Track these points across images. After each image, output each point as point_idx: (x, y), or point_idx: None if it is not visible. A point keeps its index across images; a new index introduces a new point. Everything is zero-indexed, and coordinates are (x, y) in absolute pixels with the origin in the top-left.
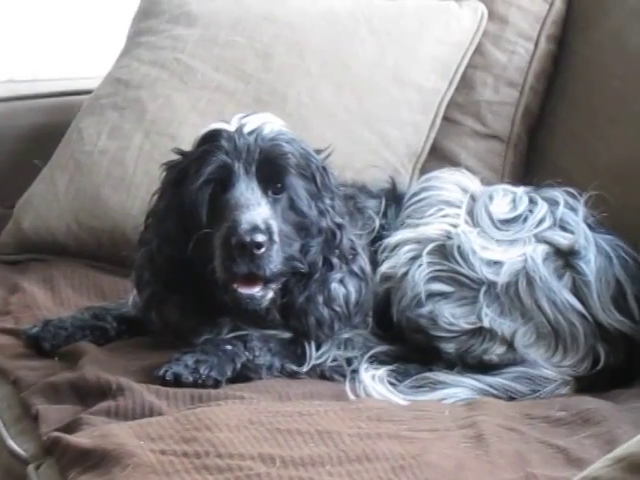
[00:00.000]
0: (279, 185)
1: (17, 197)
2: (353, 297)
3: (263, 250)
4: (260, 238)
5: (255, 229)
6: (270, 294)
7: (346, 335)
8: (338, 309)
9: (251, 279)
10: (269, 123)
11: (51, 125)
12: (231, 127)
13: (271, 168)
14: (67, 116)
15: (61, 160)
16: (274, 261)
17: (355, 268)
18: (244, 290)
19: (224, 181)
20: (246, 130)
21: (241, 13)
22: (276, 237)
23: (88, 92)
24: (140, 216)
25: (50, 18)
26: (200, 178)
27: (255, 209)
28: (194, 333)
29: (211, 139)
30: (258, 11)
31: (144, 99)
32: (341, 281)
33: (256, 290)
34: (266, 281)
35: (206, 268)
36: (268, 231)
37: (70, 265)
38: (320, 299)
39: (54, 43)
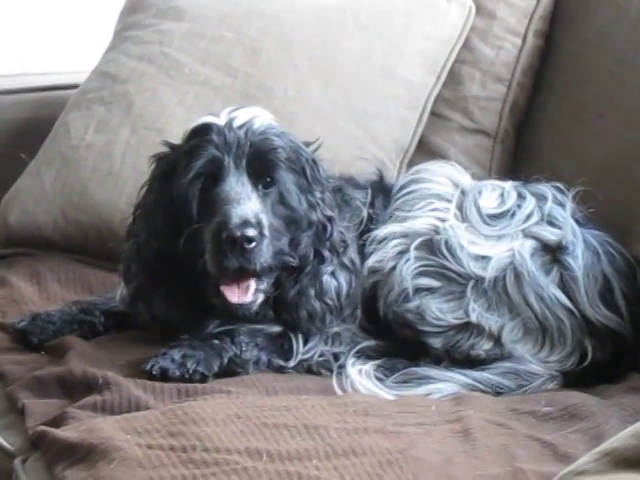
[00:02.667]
0: (269, 179)
1: (3, 191)
2: (344, 289)
3: (254, 244)
4: (251, 232)
5: (246, 224)
6: (260, 298)
7: (334, 330)
8: (330, 302)
9: (242, 274)
10: (259, 117)
11: (38, 119)
12: (221, 121)
13: (261, 162)
14: (54, 110)
15: (48, 154)
16: (264, 255)
17: (345, 260)
18: (235, 299)
19: (214, 175)
20: (236, 124)
21: (228, 7)
22: (266, 231)
23: (75, 86)
24: (127, 210)
25: (37, 12)
26: (190, 172)
27: (246, 203)
28: (181, 326)
29: (201, 133)
30: (245, 5)
31: (131, 93)
32: (332, 274)
33: (247, 298)
34: (256, 276)
35: (196, 263)
36: (259, 225)
37: (57, 259)
38: (312, 292)
39: (41, 37)
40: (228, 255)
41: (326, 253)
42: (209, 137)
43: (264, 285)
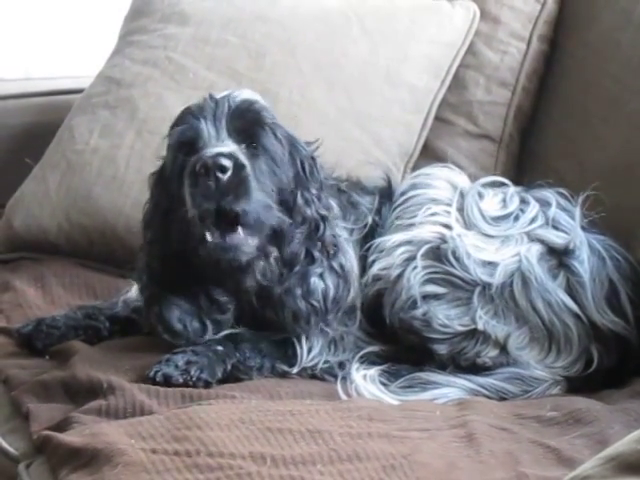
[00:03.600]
0: (254, 144)
1: (8, 196)
2: (331, 292)
3: (229, 174)
4: (224, 162)
5: (219, 155)
6: (254, 241)
7: (336, 333)
8: (315, 303)
9: (227, 221)
10: (241, 90)
11: (43, 124)
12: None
13: (243, 123)
14: (59, 115)
15: (52, 159)
16: (249, 199)
17: (334, 264)
18: (218, 239)
19: (194, 142)
20: (216, 96)
21: (233, 12)
22: (247, 168)
23: (80, 91)
24: (132, 214)
25: (42, 17)
26: (170, 143)
27: (222, 146)
28: (195, 334)
29: (181, 112)
30: (250, 10)
31: (136, 98)
32: (321, 275)
33: (234, 239)
34: (244, 225)
35: (190, 243)
36: (232, 157)
37: (61, 264)
38: (298, 292)
39: (46, 42)
40: (206, 193)
41: (316, 254)
42: (188, 109)
43: (255, 240)
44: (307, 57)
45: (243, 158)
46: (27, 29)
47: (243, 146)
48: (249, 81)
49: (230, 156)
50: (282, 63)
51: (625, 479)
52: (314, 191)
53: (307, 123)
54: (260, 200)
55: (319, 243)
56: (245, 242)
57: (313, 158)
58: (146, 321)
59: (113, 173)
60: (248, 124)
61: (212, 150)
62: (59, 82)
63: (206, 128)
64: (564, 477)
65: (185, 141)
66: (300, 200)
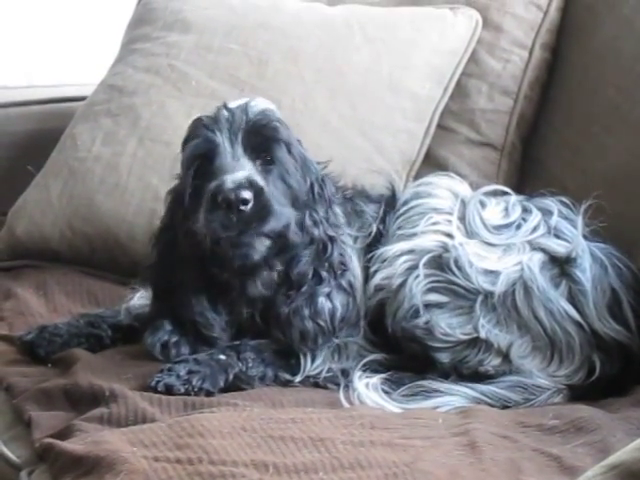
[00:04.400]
0: (268, 158)
1: (11, 203)
2: (339, 312)
3: (250, 206)
4: (246, 195)
5: (240, 187)
6: (267, 241)
7: (339, 341)
8: (323, 324)
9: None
10: (257, 101)
11: (45, 131)
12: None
13: (258, 138)
14: (61, 123)
15: (55, 166)
16: (270, 221)
17: (343, 282)
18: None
19: (209, 155)
20: (231, 106)
21: (236, 20)
22: (266, 192)
23: (82, 99)
24: (134, 222)
25: (44, 25)
26: (184, 155)
27: (240, 171)
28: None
29: (194, 123)
30: (253, 18)
31: (138, 106)
32: (328, 295)
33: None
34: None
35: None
36: (253, 186)
37: (63, 271)
38: (306, 312)
39: (48, 50)
40: (228, 223)
41: (324, 274)
42: (202, 121)
43: (267, 241)
44: (309, 65)
45: (260, 180)
46: (29, 36)
47: (258, 162)
48: (251, 89)
49: (250, 185)
50: (284, 71)
51: None
52: (322, 213)
53: (309, 131)
54: (278, 216)
55: (326, 264)
56: (259, 240)
57: (323, 179)
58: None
59: (115, 181)
60: (264, 139)
61: (232, 179)
62: (61, 90)
63: (222, 142)
64: None
65: (200, 154)
66: (308, 221)
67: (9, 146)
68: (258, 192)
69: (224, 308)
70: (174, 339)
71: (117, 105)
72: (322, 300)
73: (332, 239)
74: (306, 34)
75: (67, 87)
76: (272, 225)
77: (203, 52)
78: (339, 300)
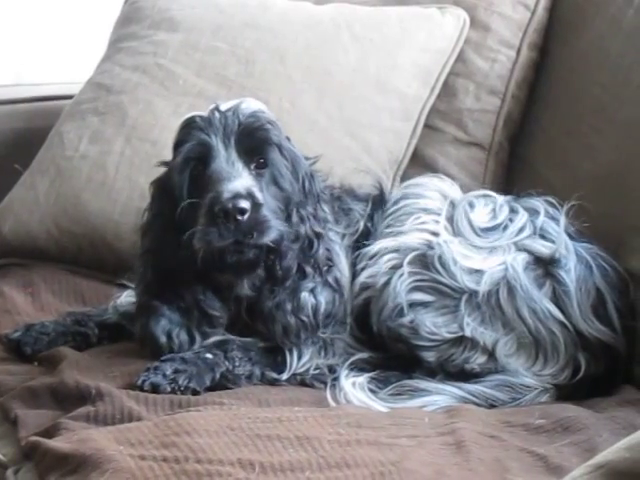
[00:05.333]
0: (262, 160)
1: None
2: (322, 308)
3: (247, 216)
4: (244, 204)
5: (237, 196)
6: (258, 251)
7: (326, 337)
8: (305, 319)
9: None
10: (247, 102)
11: (32, 130)
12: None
13: (251, 140)
14: (48, 121)
15: (42, 165)
16: (265, 222)
17: (330, 279)
18: None
19: (203, 158)
20: (222, 108)
21: (223, 19)
22: (261, 201)
23: (69, 97)
24: (121, 220)
25: (33, 23)
26: (178, 158)
27: (237, 179)
28: (181, 347)
29: (187, 124)
30: (240, 17)
31: (125, 104)
32: (312, 291)
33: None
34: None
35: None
36: (250, 197)
37: (50, 270)
38: (289, 307)
39: (36, 48)
40: (225, 232)
41: (308, 269)
42: (194, 124)
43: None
44: (297, 64)
45: (257, 191)
46: (17, 35)
47: (252, 166)
48: (239, 88)
49: (248, 195)
50: (272, 70)
51: None
52: (310, 209)
53: (297, 130)
54: (273, 229)
55: (312, 260)
56: (251, 250)
57: (311, 174)
58: (134, 330)
59: (102, 179)
60: (257, 142)
61: (229, 188)
62: (49, 88)
63: (216, 145)
64: None
65: (194, 157)
66: (295, 217)
67: None
68: (255, 203)
69: (214, 308)
70: (176, 329)
71: (104, 103)
72: (305, 295)
73: (318, 235)
74: (293, 33)
75: (55, 85)
76: (266, 238)
77: (190, 51)
78: (324, 296)
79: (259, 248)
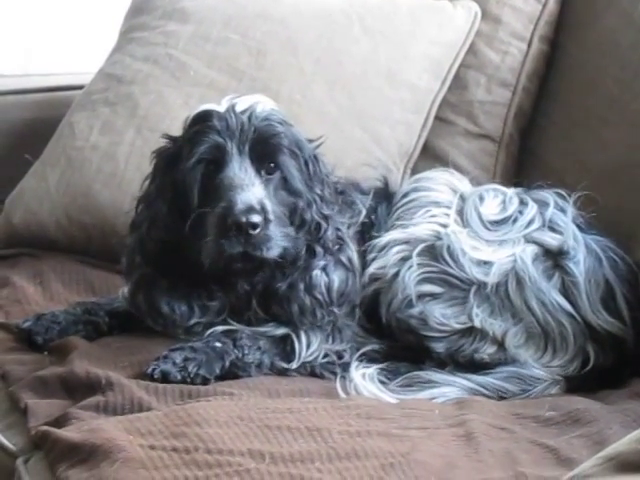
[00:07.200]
0: (272, 165)
1: (8, 192)
2: (336, 285)
3: (259, 230)
4: (256, 219)
5: (250, 209)
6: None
7: (335, 322)
8: (319, 296)
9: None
10: (261, 103)
11: (42, 120)
12: (221, 108)
13: (264, 147)
14: (58, 111)
15: (52, 155)
16: (272, 239)
17: (343, 258)
18: None
19: (217, 161)
20: (238, 109)
21: (235, 10)
22: (271, 216)
23: (80, 87)
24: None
25: (42, 13)
26: (192, 158)
27: (249, 189)
28: (182, 317)
29: (202, 119)
30: (252, 8)
31: (136, 95)
32: (324, 269)
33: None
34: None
35: (200, 250)
36: (263, 211)
37: (60, 260)
38: (301, 286)
39: (45, 38)
40: (232, 240)
41: (318, 249)
42: (211, 123)
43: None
44: (308, 56)
45: (268, 204)
46: (27, 25)
47: (263, 172)
48: (250, 79)
49: (261, 210)
50: (283, 62)
51: (624, 478)
52: (317, 191)
53: (307, 122)
54: (282, 235)
55: (321, 240)
56: (258, 263)
57: (316, 157)
58: (132, 302)
59: (113, 170)
60: (270, 149)
61: (243, 199)
62: (59, 78)
63: (231, 151)
64: (562, 477)
65: (208, 159)
66: (301, 203)
67: (6, 135)
68: (267, 218)
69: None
70: (176, 301)
71: (115, 94)
72: (317, 273)
73: (326, 217)
74: (305, 25)
75: (65, 76)
76: (272, 253)
77: (201, 42)
78: (337, 274)
79: (265, 261)
